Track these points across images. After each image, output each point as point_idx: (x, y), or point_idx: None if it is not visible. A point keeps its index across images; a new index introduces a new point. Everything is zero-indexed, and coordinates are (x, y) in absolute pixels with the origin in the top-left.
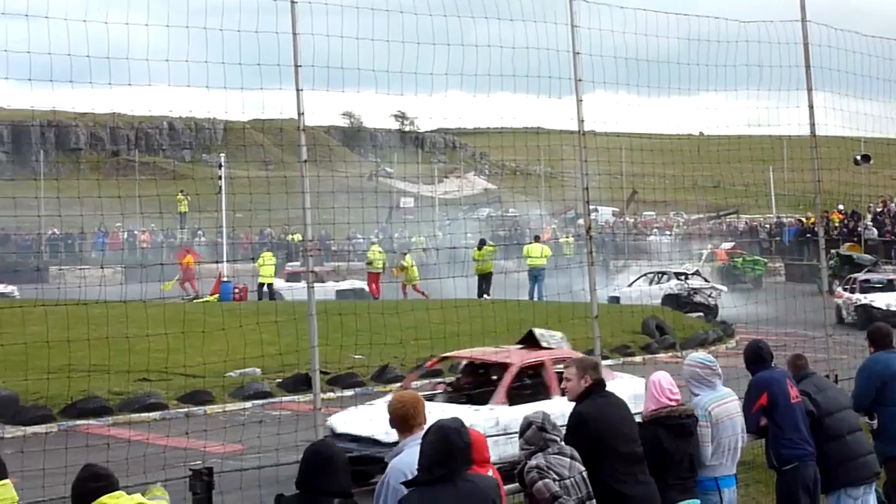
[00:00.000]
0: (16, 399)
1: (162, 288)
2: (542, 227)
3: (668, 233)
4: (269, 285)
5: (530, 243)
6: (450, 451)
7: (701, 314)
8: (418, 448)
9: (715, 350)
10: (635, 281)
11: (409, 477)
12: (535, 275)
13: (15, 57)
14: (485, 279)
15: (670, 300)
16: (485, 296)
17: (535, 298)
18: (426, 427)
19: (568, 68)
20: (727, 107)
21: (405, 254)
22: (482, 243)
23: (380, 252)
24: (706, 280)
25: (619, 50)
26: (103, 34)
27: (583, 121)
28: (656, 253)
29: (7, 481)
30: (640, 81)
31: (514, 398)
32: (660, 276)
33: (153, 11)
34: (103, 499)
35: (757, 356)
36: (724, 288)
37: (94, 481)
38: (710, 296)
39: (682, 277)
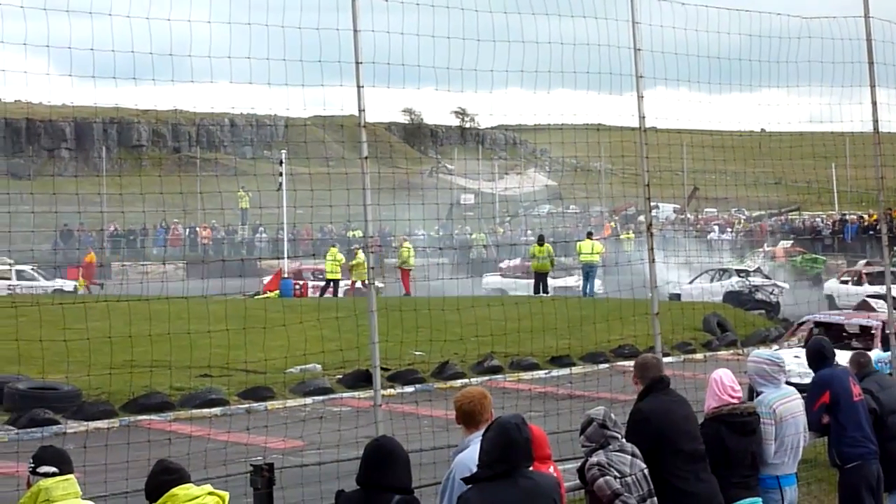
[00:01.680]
0: (78, 394)
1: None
2: (601, 224)
3: (729, 230)
4: (335, 282)
5: (583, 240)
6: (510, 446)
7: (762, 311)
8: None
9: (776, 348)
10: (696, 278)
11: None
12: (588, 271)
13: (78, 54)
14: (541, 278)
15: (731, 297)
16: (541, 294)
17: (587, 295)
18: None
19: (629, 65)
20: (789, 103)
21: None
22: (541, 239)
23: (411, 249)
24: (767, 277)
25: (679, 46)
26: (166, 31)
27: (644, 117)
28: (717, 250)
29: (71, 476)
30: (702, 78)
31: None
32: (721, 273)
33: (215, 8)
34: (174, 490)
35: (819, 354)
36: (786, 285)
37: (166, 475)
38: (771, 293)
39: (744, 275)
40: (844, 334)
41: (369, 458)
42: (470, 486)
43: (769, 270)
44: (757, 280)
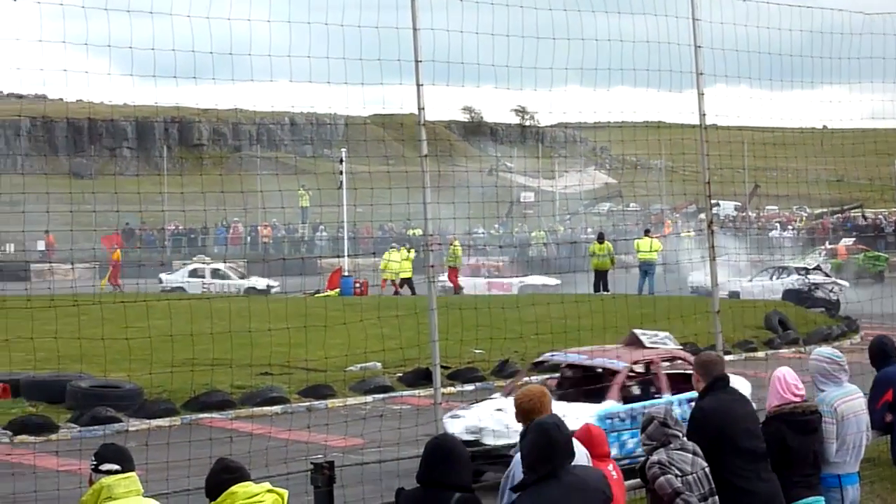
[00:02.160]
0: (140, 392)
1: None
2: (662, 222)
3: (790, 227)
4: (409, 280)
5: (640, 238)
6: (552, 446)
7: (822, 309)
8: None
9: (839, 345)
10: (756, 276)
11: None
12: (646, 269)
13: (139, 54)
14: (601, 276)
15: (791, 295)
16: (601, 292)
17: (645, 293)
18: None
19: (689, 62)
20: (850, 100)
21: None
22: (601, 237)
23: (459, 248)
24: (827, 275)
25: (740, 43)
26: (226, 31)
27: (704, 114)
28: (778, 248)
29: (133, 474)
30: (762, 75)
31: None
32: (780, 270)
33: (275, 8)
34: (233, 488)
35: (882, 352)
36: (846, 283)
37: (226, 473)
38: (831, 291)
39: (803, 272)
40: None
41: (430, 456)
42: (518, 493)
43: (831, 268)
44: (817, 278)
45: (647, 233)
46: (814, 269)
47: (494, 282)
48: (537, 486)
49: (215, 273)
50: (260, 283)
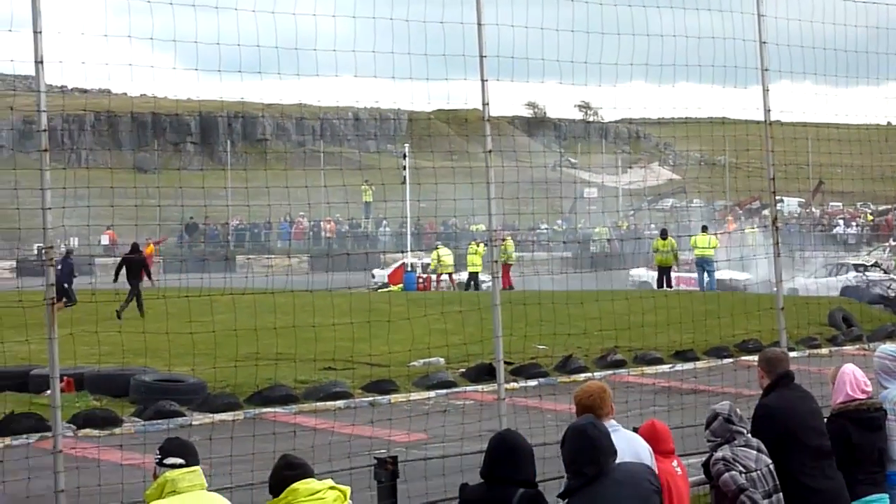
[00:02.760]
0: (204, 387)
1: None
2: (725, 219)
3: (854, 224)
4: (476, 274)
5: (698, 234)
6: (595, 447)
7: (880, 306)
8: None
9: None
10: (814, 273)
11: None
12: (704, 265)
13: (204, 49)
14: (665, 272)
15: (849, 292)
16: (664, 288)
17: (706, 289)
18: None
19: (753, 58)
20: None
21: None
22: (664, 233)
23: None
24: (885, 272)
25: (805, 39)
26: (291, 25)
27: (769, 111)
28: (843, 244)
29: (197, 468)
30: (827, 71)
31: None
32: (839, 267)
33: (340, 3)
34: (295, 485)
35: None
36: None
37: (289, 470)
38: (889, 287)
39: (861, 269)
40: None
41: (493, 451)
42: (568, 498)
43: (892, 266)
44: (874, 275)
45: (704, 229)
46: (872, 265)
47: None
48: (588, 487)
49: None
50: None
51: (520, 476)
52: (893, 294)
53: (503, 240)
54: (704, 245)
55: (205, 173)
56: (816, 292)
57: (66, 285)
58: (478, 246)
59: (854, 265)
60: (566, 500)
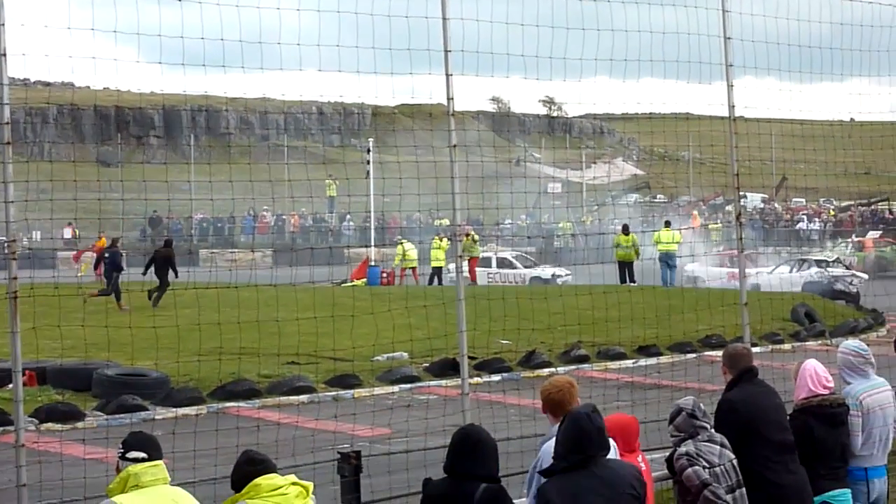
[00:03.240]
0: (167, 381)
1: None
2: (689, 214)
3: (817, 220)
4: (439, 269)
5: (661, 229)
6: (582, 435)
7: (842, 302)
8: None
9: (866, 338)
10: (776, 268)
11: None
12: (667, 260)
13: (168, 42)
14: (626, 267)
15: (810, 288)
16: (630, 282)
17: (668, 285)
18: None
19: (718, 53)
20: (879, 92)
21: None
22: (626, 229)
23: (473, 238)
24: (847, 267)
25: (769, 35)
26: (255, 19)
27: (733, 106)
28: (805, 240)
29: (160, 462)
30: (791, 66)
31: None
32: (800, 263)
33: None
34: (257, 480)
35: None
36: (865, 275)
37: (251, 465)
38: (850, 283)
39: (823, 265)
40: None
41: (457, 446)
42: (547, 479)
43: (857, 261)
44: (836, 270)
45: (667, 224)
46: (833, 261)
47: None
48: (567, 473)
49: (501, 262)
50: (545, 272)
51: (483, 471)
52: (855, 290)
53: (466, 234)
54: (668, 240)
55: (168, 167)
56: (780, 288)
57: (114, 274)
58: (441, 241)
59: (816, 261)
60: (545, 480)
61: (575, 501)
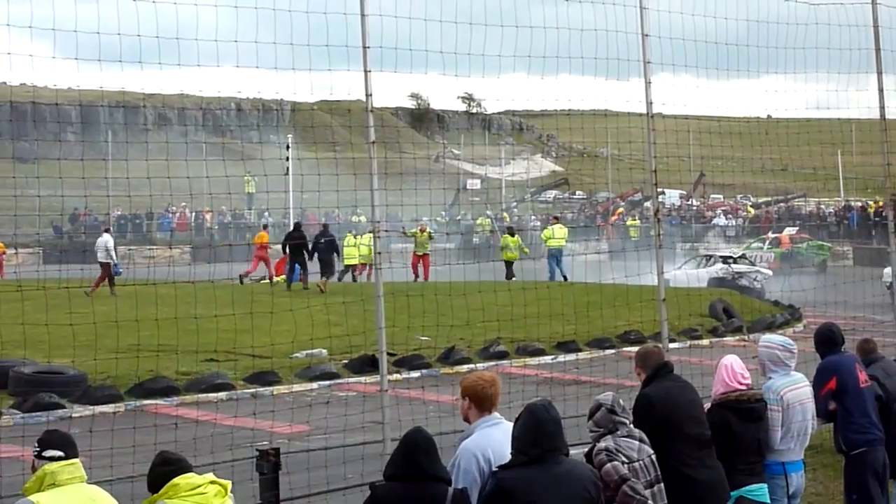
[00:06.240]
0: (84, 378)
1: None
2: (608, 210)
3: (731, 216)
4: (354, 266)
5: (551, 225)
6: (540, 427)
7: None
8: (490, 430)
9: (783, 333)
10: (684, 264)
11: (481, 459)
12: (556, 255)
13: (84, 38)
14: (511, 266)
15: (716, 284)
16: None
17: (557, 279)
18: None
19: (635, 50)
20: (796, 90)
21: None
22: (511, 231)
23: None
24: (752, 263)
25: (686, 32)
26: (172, 15)
27: (651, 103)
28: (723, 236)
29: (77, 460)
30: (709, 63)
31: None
32: (707, 259)
33: None
34: (176, 480)
35: (829, 339)
36: (770, 272)
37: (166, 465)
38: (755, 279)
39: (729, 261)
40: None
41: (412, 448)
42: (504, 470)
43: (774, 257)
44: (740, 267)
45: (556, 220)
46: (739, 257)
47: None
48: (523, 467)
49: None
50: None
51: (444, 473)
52: (759, 285)
53: (422, 230)
54: (557, 236)
55: (85, 163)
56: (686, 284)
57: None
58: (355, 238)
59: (722, 257)
60: (499, 475)
61: (527, 496)
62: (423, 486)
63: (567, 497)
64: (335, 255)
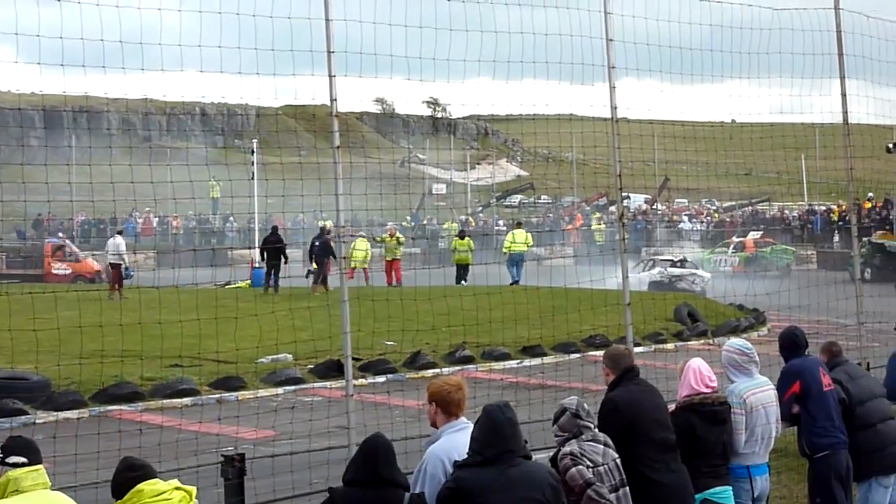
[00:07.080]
0: (48, 384)
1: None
2: (573, 215)
3: (696, 220)
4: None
5: (513, 230)
6: (496, 428)
7: None
8: (457, 435)
9: (748, 337)
10: (632, 269)
11: (447, 464)
12: (517, 260)
13: (47, 42)
14: (462, 269)
15: (655, 287)
16: (462, 282)
17: (516, 282)
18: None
19: (600, 55)
20: (759, 94)
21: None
22: (462, 234)
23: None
24: (696, 267)
25: (650, 37)
26: (135, 19)
27: (616, 108)
28: (688, 241)
29: (40, 467)
30: (672, 68)
31: None
32: (650, 263)
33: None
34: (140, 486)
35: (792, 343)
36: (708, 275)
37: (131, 471)
38: (693, 283)
39: (667, 264)
40: None
41: (371, 453)
42: (459, 469)
43: (738, 262)
44: (676, 270)
45: (518, 225)
46: (680, 261)
47: None
48: (479, 467)
49: None
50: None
51: (402, 478)
52: (699, 288)
53: (391, 235)
54: (519, 241)
55: (48, 168)
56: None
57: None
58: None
59: (662, 260)
60: (457, 473)
61: (481, 497)
62: (380, 491)
63: (519, 500)
64: (331, 258)
